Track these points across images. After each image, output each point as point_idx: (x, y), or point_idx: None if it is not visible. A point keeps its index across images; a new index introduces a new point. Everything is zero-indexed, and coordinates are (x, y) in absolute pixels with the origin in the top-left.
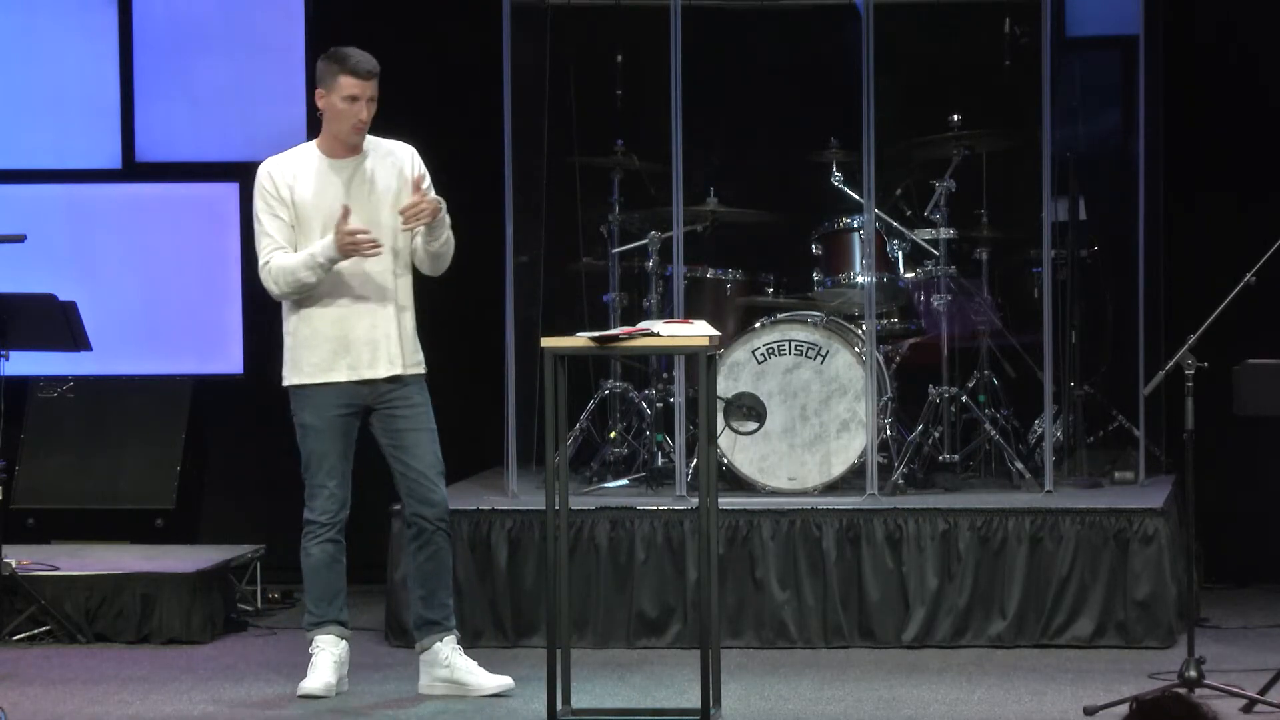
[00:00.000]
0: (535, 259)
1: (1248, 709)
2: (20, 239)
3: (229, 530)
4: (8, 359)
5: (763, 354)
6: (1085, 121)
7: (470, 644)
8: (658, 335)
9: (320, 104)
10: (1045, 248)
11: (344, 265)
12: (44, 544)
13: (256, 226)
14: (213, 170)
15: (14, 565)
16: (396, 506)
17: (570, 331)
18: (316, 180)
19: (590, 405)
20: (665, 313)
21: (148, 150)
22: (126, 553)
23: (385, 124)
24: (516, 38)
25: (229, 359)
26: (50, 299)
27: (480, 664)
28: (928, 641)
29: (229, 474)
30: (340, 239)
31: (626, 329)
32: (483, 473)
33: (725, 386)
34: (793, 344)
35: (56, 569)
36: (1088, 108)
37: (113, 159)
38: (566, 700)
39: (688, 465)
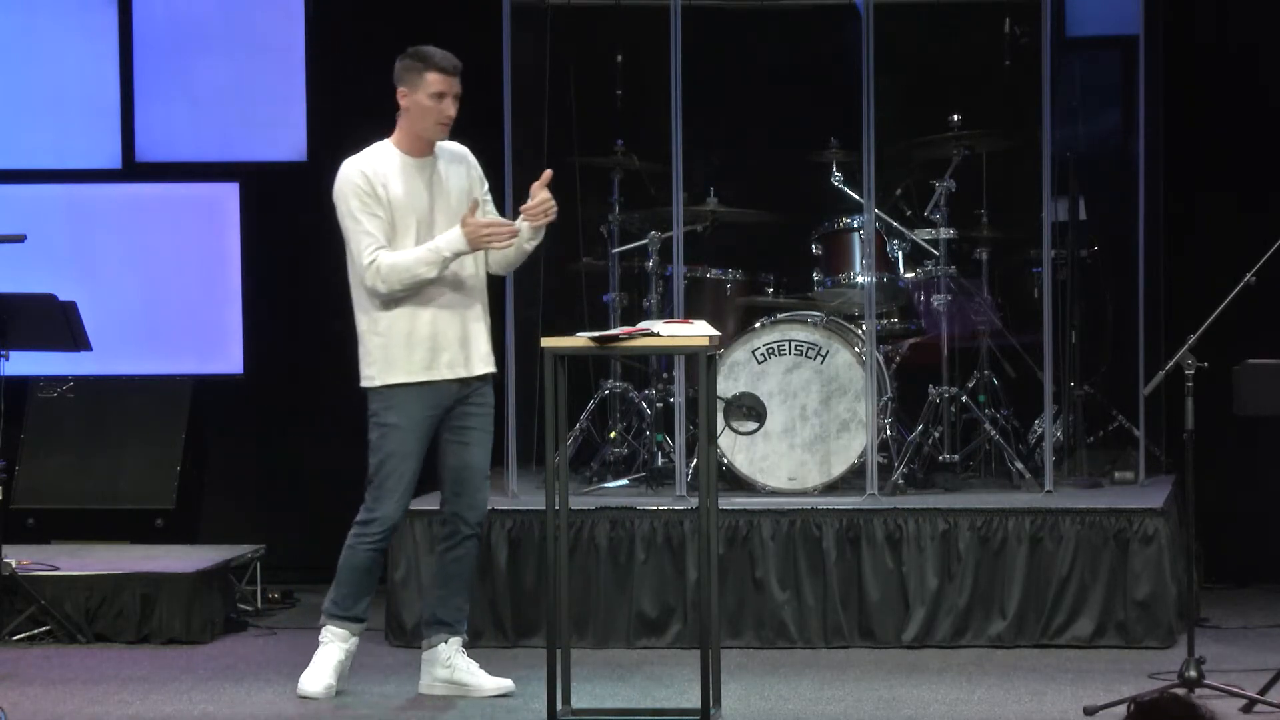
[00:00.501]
0: (535, 259)
1: (1248, 709)
2: (20, 239)
3: (229, 530)
4: (8, 359)
5: (763, 354)
6: (1085, 121)
7: (470, 644)
8: (658, 335)
9: (403, 103)
10: (1045, 248)
11: None
12: (44, 544)
13: (352, 225)
14: (213, 170)
15: (14, 565)
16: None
17: (570, 331)
18: (403, 178)
19: (590, 405)
20: (665, 313)
21: (148, 150)
22: (126, 553)
23: (385, 122)
24: (516, 38)
25: (229, 359)
26: (50, 299)
27: (480, 664)
28: (928, 641)
29: (229, 474)
30: (473, 231)
31: (626, 329)
32: None
33: (725, 386)
34: (793, 344)
35: (56, 569)
36: (1088, 108)
37: (113, 159)
38: (566, 700)
39: (688, 465)
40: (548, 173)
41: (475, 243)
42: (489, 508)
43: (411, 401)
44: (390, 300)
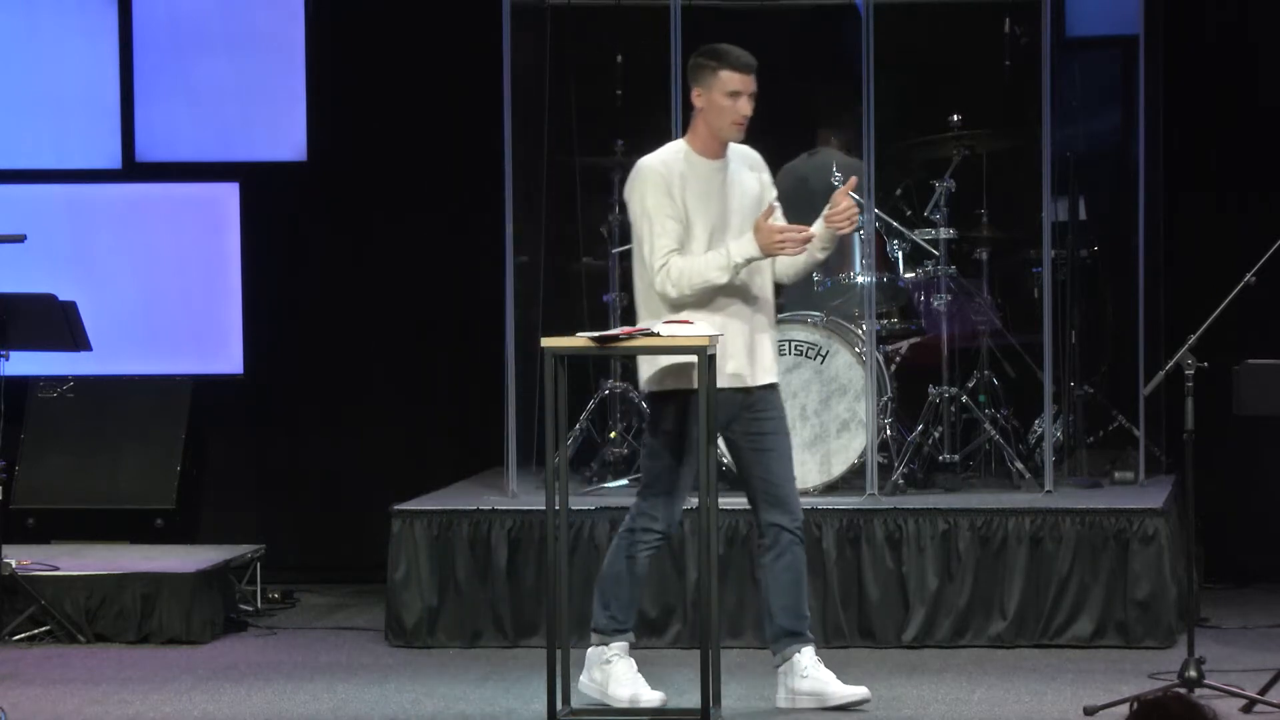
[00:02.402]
0: (535, 259)
1: (1248, 709)
2: (20, 239)
3: (229, 530)
4: (8, 359)
5: None
6: (1085, 121)
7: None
8: (658, 335)
9: (698, 103)
10: (1045, 248)
11: None
12: (44, 544)
13: (646, 226)
14: (213, 170)
15: (14, 565)
16: (397, 506)
17: (570, 331)
18: (698, 180)
19: (590, 405)
20: None
21: (148, 150)
22: (126, 553)
23: (386, 122)
24: (516, 38)
25: (229, 359)
26: (50, 299)
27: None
28: (928, 641)
29: (229, 474)
30: (766, 236)
31: (626, 329)
32: (483, 473)
33: None
34: (793, 344)
35: (56, 569)
36: (1088, 108)
37: (113, 159)
38: (566, 700)
39: None
40: (854, 179)
41: (768, 248)
42: (800, 511)
43: (694, 409)
44: (679, 305)
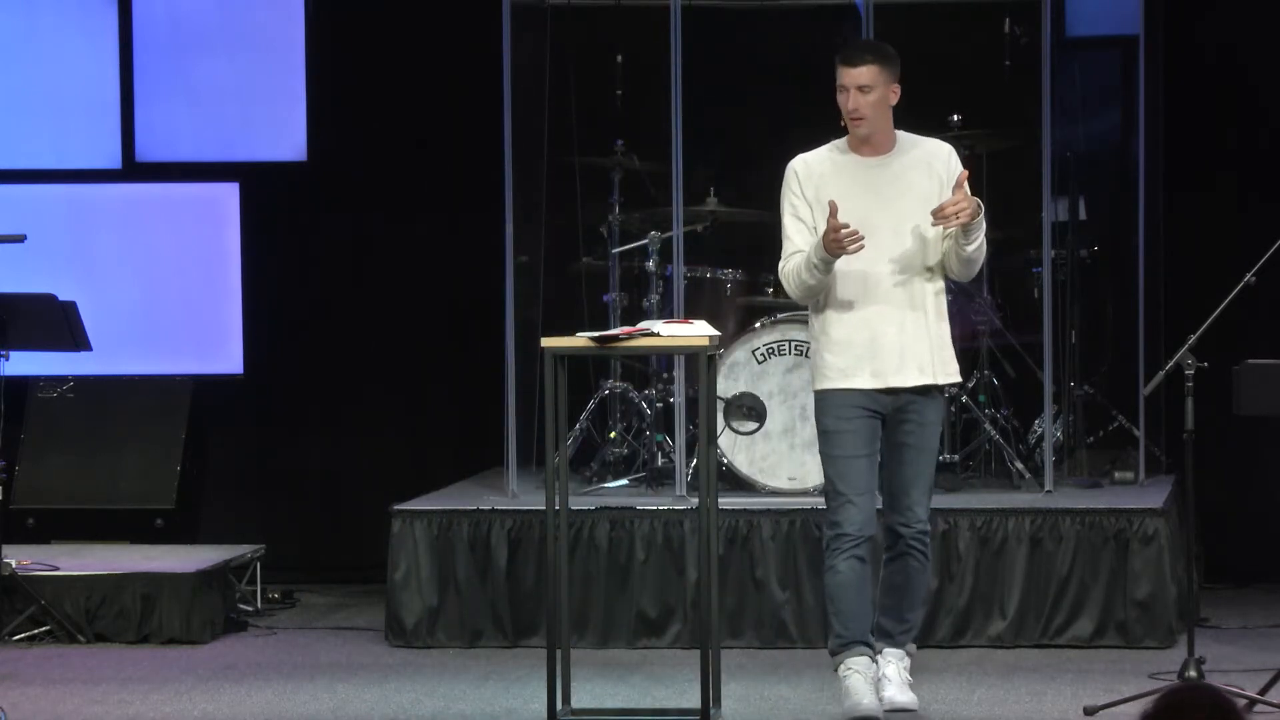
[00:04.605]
0: (535, 259)
1: (1248, 709)
2: (20, 239)
3: (229, 530)
4: (8, 359)
5: (763, 354)
6: (1085, 121)
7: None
8: (658, 335)
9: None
10: (1045, 248)
11: (869, 269)
12: (44, 544)
13: (782, 227)
14: (213, 170)
15: (14, 565)
16: (397, 506)
17: (570, 331)
18: (845, 178)
19: (590, 405)
20: (665, 313)
21: (148, 150)
22: (126, 553)
23: (386, 122)
24: (516, 38)
25: (229, 359)
26: (50, 299)
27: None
28: (928, 641)
29: (229, 474)
30: (826, 239)
31: (626, 329)
32: (483, 473)
33: (725, 386)
34: (792, 344)
35: (56, 569)
36: (1088, 108)
37: (113, 159)
38: (566, 700)
39: (688, 465)
40: (964, 172)
41: (831, 250)
42: (921, 523)
43: (844, 403)
44: (820, 305)
